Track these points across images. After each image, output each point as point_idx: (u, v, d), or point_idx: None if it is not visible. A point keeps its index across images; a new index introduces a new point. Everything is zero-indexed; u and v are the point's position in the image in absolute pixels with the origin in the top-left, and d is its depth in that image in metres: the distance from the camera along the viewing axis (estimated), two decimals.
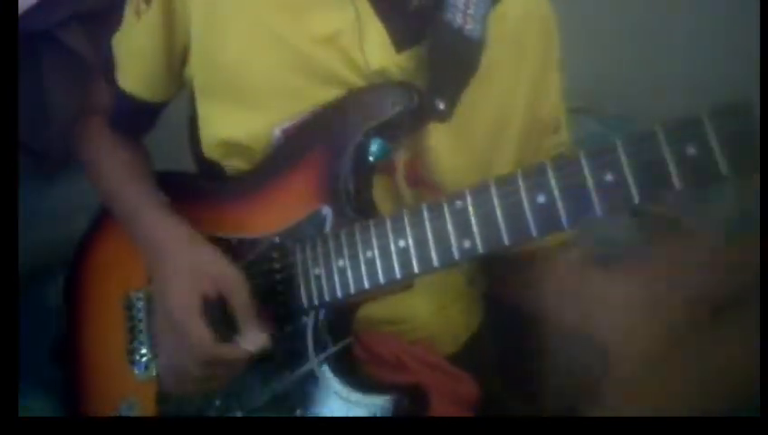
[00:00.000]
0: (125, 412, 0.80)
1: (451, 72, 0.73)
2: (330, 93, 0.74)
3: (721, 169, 0.51)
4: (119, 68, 0.87)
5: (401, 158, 0.77)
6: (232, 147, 0.78)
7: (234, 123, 0.77)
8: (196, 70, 0.79)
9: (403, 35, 0.74)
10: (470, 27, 0.73)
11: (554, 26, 0.82)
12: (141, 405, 0.79)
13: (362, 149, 0.71)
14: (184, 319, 0.69)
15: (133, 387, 0.80)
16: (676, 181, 0.53)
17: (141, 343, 0.81)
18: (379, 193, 0.76)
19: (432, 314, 0.84)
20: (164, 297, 0.72)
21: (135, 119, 0.90)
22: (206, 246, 0.74)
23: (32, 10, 0.96)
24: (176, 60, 0.83)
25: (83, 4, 0.99)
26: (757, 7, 1.01)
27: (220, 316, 0.69)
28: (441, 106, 0.71)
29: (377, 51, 0.73)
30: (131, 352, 0.81)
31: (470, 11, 0.73)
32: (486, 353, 0.89)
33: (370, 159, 0.71)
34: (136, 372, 0.80)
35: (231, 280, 0.70)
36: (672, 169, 0.53)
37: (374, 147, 0.71)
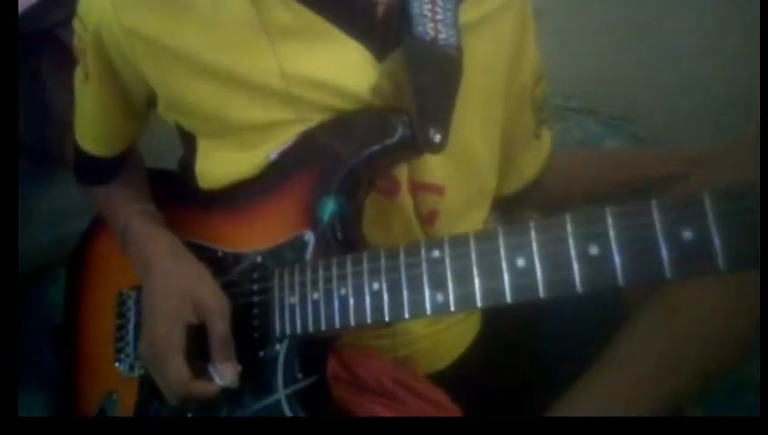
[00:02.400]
0: (109, 404, 0.81)
1: (437, 93, 0.69)
2: (323, 117, 0.71)
3: (719, 264, 0.46)
4: (75, 120, 0.84)
5: (404, 178, 0.75)
6: (232, 181, 0.76)
7: (232, 162, 0.74)
8: (179, 117, 0.77)
9: (379, 44, 0.70)
10: (443, 36, 0.69)
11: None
12: (123, 401, 0.80)
13: (354, 175, 0.68)
14: (164, 355, 0.69)
15: (118, 381, 0.81)
16: (667, 269, 0.48)
17: (128, 343, 0.81)
18: (379, 213, 0.74)
19: (425, 328, 0.81)
20: (149, 320, 0.72)
21: (98, 172, 0.87)
22: (193, 264, 0.73)
23: (32, 10, 0.96)
24: (134, 113, 0.81)
25: None
26: (757, 7, 1.01)
27: (198, 342, 0.69)
28: (437, 139, 0.67)
29: (360, 68, 0.70)
30: (118, 349, 0.81)
31: (439, 17, 0.69)
32: (478, 370, 0.85)
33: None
34: (120, 368, 0.80)
35: (214, 309, 0.69)
36: (664, 254, 0.48)
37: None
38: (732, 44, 1.49)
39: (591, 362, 0.73)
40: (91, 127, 0.84)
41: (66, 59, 1.01)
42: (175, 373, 0.68)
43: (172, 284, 0.71)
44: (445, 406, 0.77)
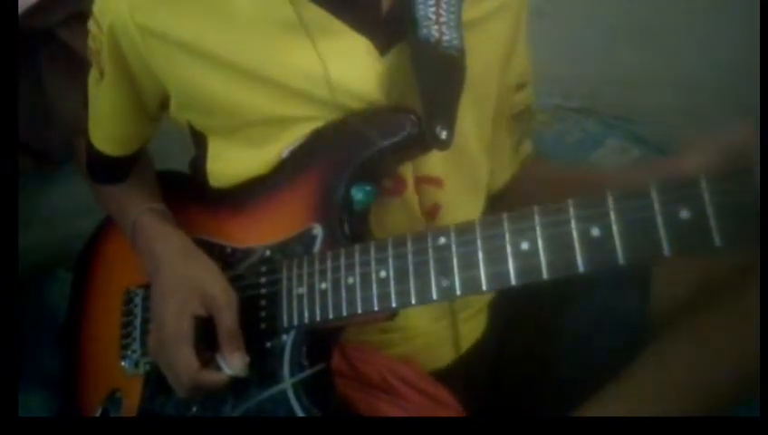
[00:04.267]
0: (113, 402, 0.81)
1: (442, 91, 0.70)
2: (333, 115, 0.72)
3: (714, 240, 0.48)
4: (89, 120, 0.85)
5: (410, 175, 0.75)
6: (243, 180, 0.76)
7: (243, 161, 0.75)
8: (192, 115, 0.78)
9: (383, 38, 0.70)
10: (447, 38, 0.70)
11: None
12: (127, 398, 0.80)
13: (359, 174, 0.69)
14: (173, 346, 0.70)
15: (122, 379, 0.81)
16: (665, 247, 0.50)
17: (134, 340, 0.81)
18: (384, 213, 0.74)
19: (431, 323, 0.81)
20: (158, 314, 0.73)
21: (111, 171, 0.87)
22: (202, 260, 0.74)
23: (32, 10, 0.96)
24: (148, 114, 0.82)
25: (84, 4, 0.99)
26: (757, 7, 1.01)
27: (207, 334, 0.70)
28: (444, 135, 0.68)
29: (364, 61, 0.70)
30: (124, 346, 0.82)
31: (443, 19, 0.70)
32: (484, 367, 0.86)
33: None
34: (125, 365, 0.81)
35: (221, 301, 0.70)
36: (662, 232, 0.50)
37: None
38: (732, 44, 1.49)
39: (600, 371, 0.73)
40: (105, 127, 0.84)
41: (66, 59, 1.01)
42: (184, 364, 0.69)
43: (180, 279, 0.72)
44: (447, 403, 0.77)
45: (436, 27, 0.70)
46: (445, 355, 0.84)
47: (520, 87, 0.84)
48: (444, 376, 0.81)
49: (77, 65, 0.98)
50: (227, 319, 0.69)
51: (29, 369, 0.93)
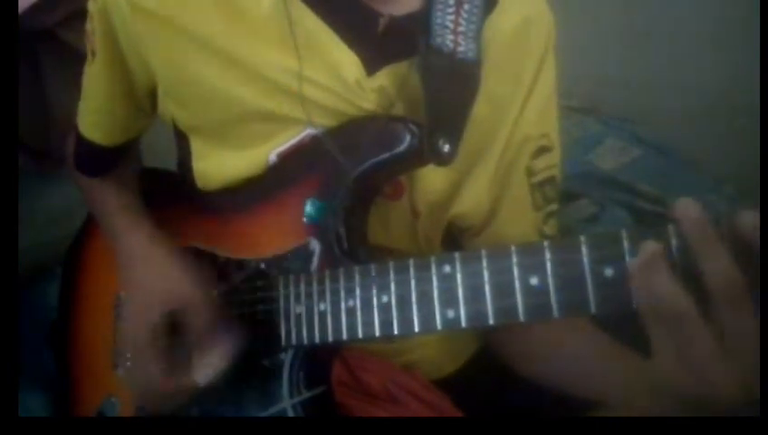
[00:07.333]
0: (108, 408, 0.81)
1: (450, 105, 0.67)
2: (321, 120, 0.70)
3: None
4: (79, 107, 0.83)
5: (407, 180, 0.73)
6: (230, 182, 0.75)
7: (230, 163, 0.73)
8: (177, 112, 0.75)
9: (373, 58, 0.68)
10: (462, 49, 0.67)
11: (553, 35, 0.75)
12: (122, 405, 0.79)
13: (359, 184, 0.67)
14: (136, 351, 0.69)
15: (116, 385, 0.80)
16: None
17: (126, 347, 0.80)
18: (380, 214, 0.73)
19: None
20: (126, 316, 0.73)
21: (96, 161, 0.86)
22: (173, 261, 0.72)
23: (32, 10, 0.96)
24: (137, 105, 0.80)
25: (84, 3, 0.99)
26: (757, 7, 1.01)
27: (176, 338, 0.69)
28: (446, 148, 0.66)
29: (348, 78, 0.68)
30: (116, 353, 0.81)
31: (461, 28, 0.67)
32: (485, 376, 0.84)
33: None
34: (119, 372, 0.80)
35: (190, 302, 0.68)
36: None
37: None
38: (732, 45, 1.49)
39: None
40: (93, 111, 0.82)
41: (66, 59, 1.01)
42: (144, 371, 0.68)
43: (148, 276, 0.72)
44: (450, 413, 0.76)
45: (451, 37, 0.67)
46: (447, 364, 0.84)
47: (543, 150, 0.77)
48: (446, 386, 0.80)
49: (77, 65, 0.98)
50: (196, 323, 0.67)
51: (29, 369, 0.93)
